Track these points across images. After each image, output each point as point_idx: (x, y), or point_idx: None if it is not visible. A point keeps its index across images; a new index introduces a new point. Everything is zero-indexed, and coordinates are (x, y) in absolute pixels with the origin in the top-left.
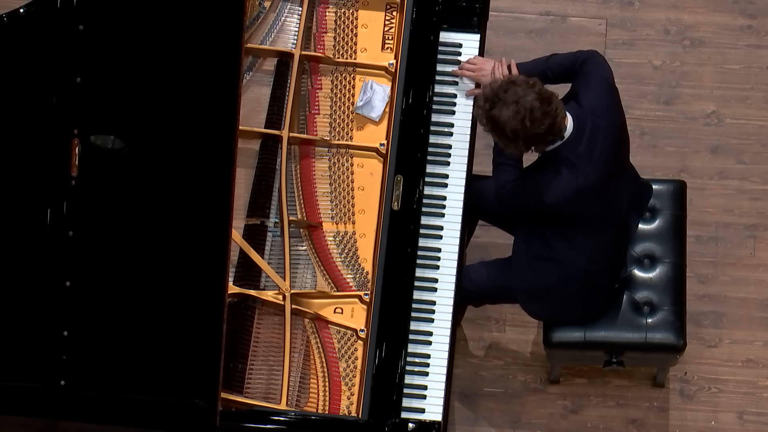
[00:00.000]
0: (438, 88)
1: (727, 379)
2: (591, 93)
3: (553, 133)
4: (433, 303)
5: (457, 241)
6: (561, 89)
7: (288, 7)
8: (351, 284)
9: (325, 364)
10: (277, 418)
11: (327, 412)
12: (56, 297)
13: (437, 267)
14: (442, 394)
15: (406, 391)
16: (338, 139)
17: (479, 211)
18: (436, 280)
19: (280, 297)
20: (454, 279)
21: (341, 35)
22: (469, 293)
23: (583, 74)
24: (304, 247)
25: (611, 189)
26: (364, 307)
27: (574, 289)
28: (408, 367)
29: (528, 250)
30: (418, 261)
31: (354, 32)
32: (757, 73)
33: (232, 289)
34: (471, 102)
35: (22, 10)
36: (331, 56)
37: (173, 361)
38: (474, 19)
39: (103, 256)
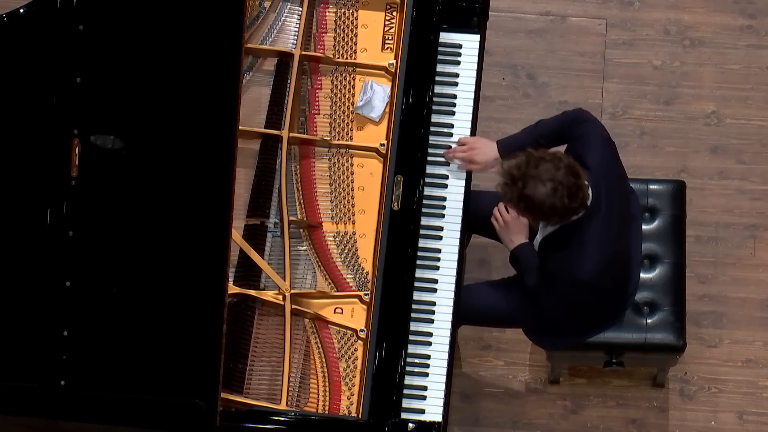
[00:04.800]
0: (438, 88)
1: (727, 379)
2: (595, 153)
3: (584, 204)
4: (433, 303)
5: (457, 242)
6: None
7: (288, 7)
8: (351, 284)
9: (325, 364)
10: (277, 418)
11: (327, 412)
12: (56, 297)
13: (437, 267)
14: (442, 394)
15: (406, 391)
16: (338, 139)
17: (476, 225)
18: (436, 281)
19: (280, 297)
20: (454, 279)
21: (341, 35)
22: (470, 318)
23: (581, 137)
24: (304, 247)
25: (624, 237)
26: (364, 307)
27: (584, 317)
28: (408, 368)
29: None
30: (418, 261)
31: (354, 32)
32: (757, 73)
33: (232, 289)
34: (471, 102)
35: (22, 10)
36: (331, 56)
37: (173, 361)
38: (474, 19)
39: (103, 256)
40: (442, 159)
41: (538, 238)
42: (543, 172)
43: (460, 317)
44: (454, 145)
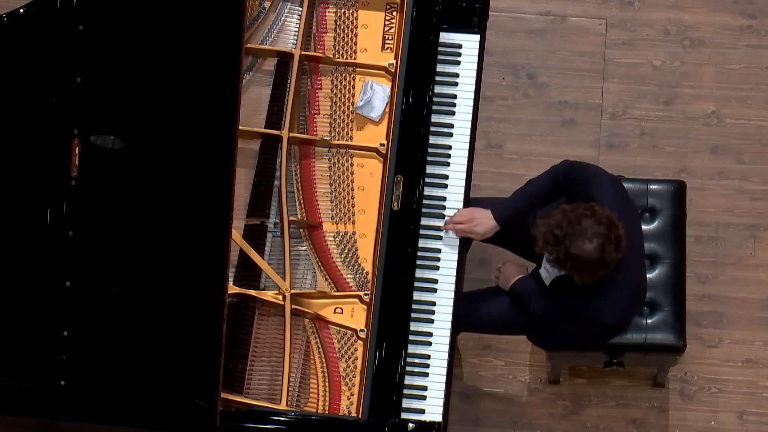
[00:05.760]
0: (438, 88)
1: (727, 379)
2: (607, 195)
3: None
4: (433, 303)
5: (457, 241)
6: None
7: (288, 7)
8: (351, 284)
9: (325, 364)
10: (277, 418)
11: (327, 412)
12: (56, 297)
13: (437, 267)
14: (442, 394)
15: (406, 391)
16: (338, 139)
17: None
18: (436, 281)
19: (280, 297)
20: (454, 279)
21: (341, 35)
22: (472, 327)
23: (588, 179)
24: (304, 247)
25: (642, 271)
26: (364, 307)
27: (599, 337)
28: (408, 368)
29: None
30: (418, 261)
31: (354, 32)
32: (757, 73)
33: (232, 289)
34: (471, 102)
35: (22, 10)
36: (331, 56)
37: (173, 361)
38: (474, 19)
39: (103, 256)
40: (442, 159)
41: (548, 269)
42: (587, 228)
43: (461, 326)
44: (448, 217)
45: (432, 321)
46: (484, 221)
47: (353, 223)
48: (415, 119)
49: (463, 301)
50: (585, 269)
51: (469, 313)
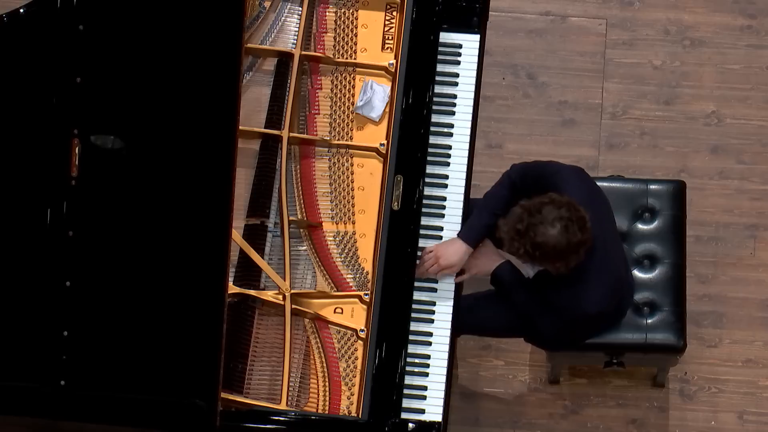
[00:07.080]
0: (438, 88)
1: (727, 379)
2: (573, 185)
3: (591, 235)
4: (433, 303)
5: None
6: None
7: (288, 7)
8: (351, 284)
9: (325, 364)
10: (277, 418)
11: (327, 412)
12: (56, 297)
13: None
14: (442, 394)
15: (406, 391)
16: (338, 139)
17: None
18: (436, 281)
19: (280, 297)
20: (454, 279)
21: (341, 35)
22: (470, 331)
23: (552, 176)
24: (304, 247)
25: (621, 258)
26: (364, 307)
27: (587, 330)
28: (408, 368)
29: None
30: (418, 261)
31: (354, 32)
32: (757, 73)
33: (232, 289)
34: (471, 102)
35: (22, 10)
36: (331, 56)
37: (173, 361)
38: (474, 19)
39: (103, 256)
40: (442, 159)
41: (529, 271)
42: (547, 214)
43: (461, 330)
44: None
45: (432, 321)
46: (453, 250)
47: (353, 223)
48: (415, 119)
49: (461, 305)
50: (555, 256)
51: (468, 318)
